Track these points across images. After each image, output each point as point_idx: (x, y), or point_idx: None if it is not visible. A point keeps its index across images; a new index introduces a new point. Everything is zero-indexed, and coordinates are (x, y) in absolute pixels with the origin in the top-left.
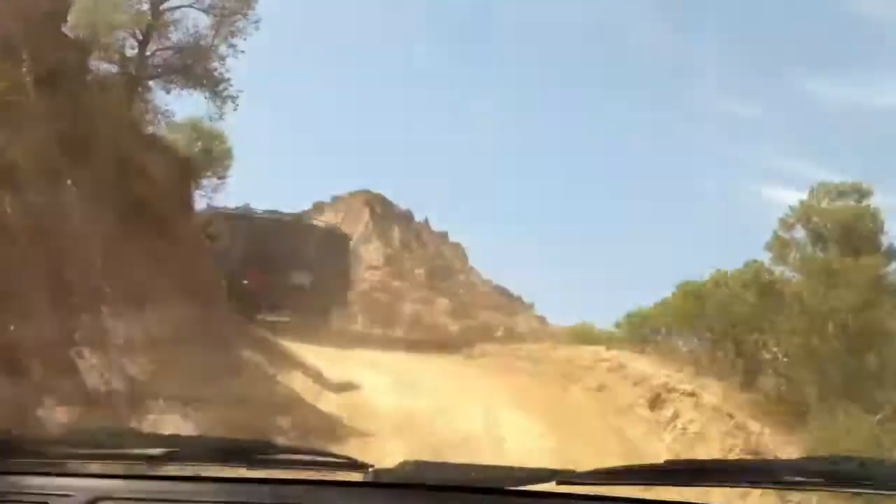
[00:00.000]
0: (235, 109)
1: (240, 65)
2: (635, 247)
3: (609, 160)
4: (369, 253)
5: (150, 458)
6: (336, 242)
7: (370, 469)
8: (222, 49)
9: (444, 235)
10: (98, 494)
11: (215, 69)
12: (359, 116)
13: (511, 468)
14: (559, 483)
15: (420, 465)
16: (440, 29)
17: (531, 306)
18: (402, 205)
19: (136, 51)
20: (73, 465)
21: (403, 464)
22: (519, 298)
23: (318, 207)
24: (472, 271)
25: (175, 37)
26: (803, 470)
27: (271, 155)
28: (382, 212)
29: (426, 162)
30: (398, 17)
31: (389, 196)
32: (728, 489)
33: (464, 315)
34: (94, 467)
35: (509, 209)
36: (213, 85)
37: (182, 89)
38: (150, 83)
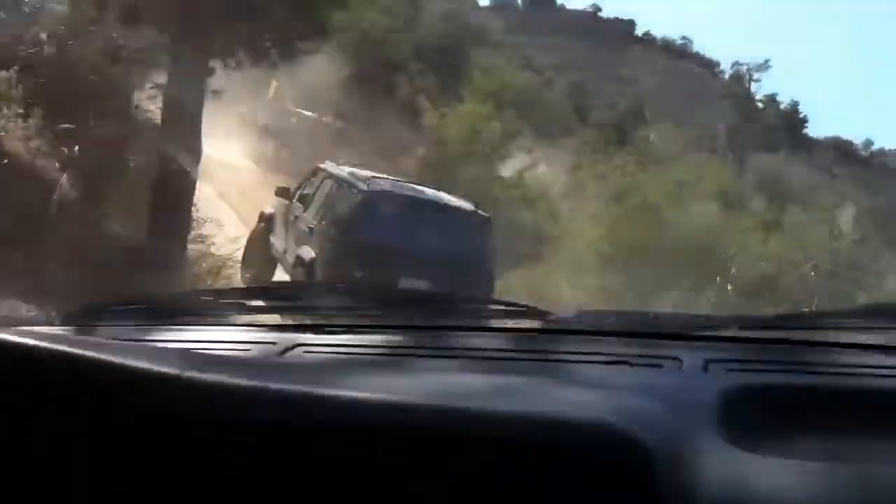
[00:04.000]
0: None
1: None
2: None
3: None
4: None
5: (342, 310)
6: (477, 231)
7: (550, 317)
8: None
9: None
10: (297, 342)
11: None
12: None
13: (693, 315)
14: (740, 328)
15: (598, 314)
16: None
17: None
18: None
19: None
20: (270, 318)
21: (581, 312)
22: None
23: None
24: None
25: None
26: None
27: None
28: None
29: None
30: None
31: None
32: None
33: None
34: (290, 319)
35: None
36: None
37: None
38: None
